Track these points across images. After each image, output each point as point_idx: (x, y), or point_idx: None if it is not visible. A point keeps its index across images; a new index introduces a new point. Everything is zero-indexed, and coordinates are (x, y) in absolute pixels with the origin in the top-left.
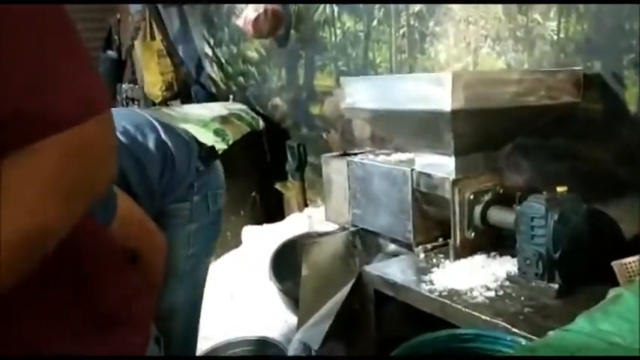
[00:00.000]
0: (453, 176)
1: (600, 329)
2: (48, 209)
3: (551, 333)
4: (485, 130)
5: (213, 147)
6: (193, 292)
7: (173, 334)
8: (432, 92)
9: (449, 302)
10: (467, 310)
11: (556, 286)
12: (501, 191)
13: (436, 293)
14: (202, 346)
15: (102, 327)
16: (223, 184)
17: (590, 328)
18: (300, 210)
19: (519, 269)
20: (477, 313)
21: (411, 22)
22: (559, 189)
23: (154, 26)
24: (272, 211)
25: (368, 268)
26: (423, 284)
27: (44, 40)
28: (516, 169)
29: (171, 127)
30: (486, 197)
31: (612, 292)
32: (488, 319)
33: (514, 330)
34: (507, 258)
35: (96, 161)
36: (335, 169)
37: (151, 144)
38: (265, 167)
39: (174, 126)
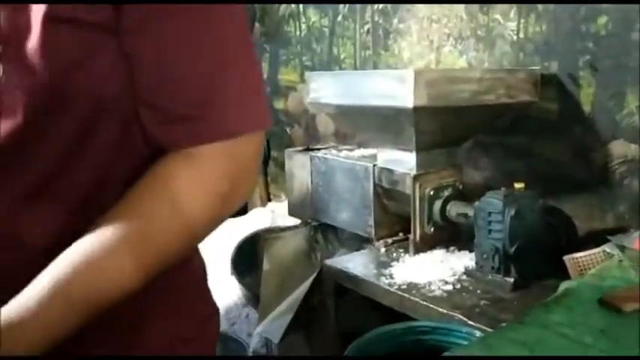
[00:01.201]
0: (414, 172)
1: (551, 321)
2: (208, 215)
3: (504, 324)
4: (446, 127)
5: None
6: None
7: None
8: (395, 89)
9: (407, 296)
10: (424, 303)
11: (511, 279)
12: (461, 187)
13: (395, 287)
14: None
15: (174, 346)
16: None
17: (542, 319)
18: (264, 204)
19: (477, 263)
20: (434, 306)
21: (376, 19)
22: (516, 185)
23: None
24: None
25: (329, 262)
26: (383, 278)
27: (227, 43)
28: (476, 166)
29: None
30: (446, 193)
31: (563, 286)
32: (445, 311)
33: (470, 322)
34: (466, 252)
35: (248, 175)
36: (298, 164)
37: None
38: None
39: None
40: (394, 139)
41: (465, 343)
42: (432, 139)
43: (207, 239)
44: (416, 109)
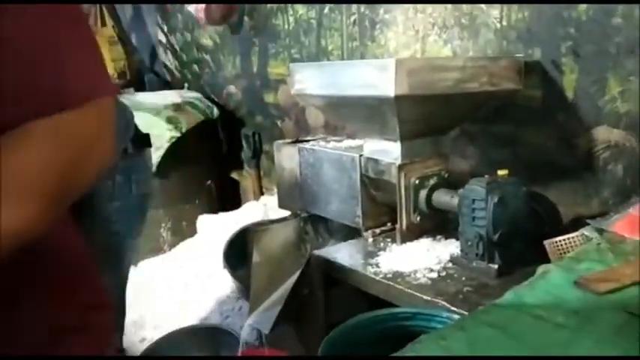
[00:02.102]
0: (399, 161)
1: (526, 303)
2: (41, 196)
3: (480, 308)
4: (429, 116)
5: (147, 135)
6: (118, 274)
7: None
8: (376, 78)
9: (393, 284)
10: (409, 290)
11: (495, 266)
12: (447, 176)
13: (381, 275)
14: (155, 336)
15: (57, 336)
16: (150, 172)
17: (516, 302)
18: (256, 198)
19: (461, 250)
20: (418, 294)
21: (362, 10)
22: (500, 173)
23: (105, 12)
24: (227, 199)
25: (317, 253)
26: (370, 267)
27: (57, 27)
28: (462, 155)
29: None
30: (432, 181)
31: (541, 269)
32: (429, 298)
33: (452, 308)
34: (452, 241)
35: (88, 147)
36: (287, 156)
37: None
38: (221, 156)
39: (119, 100)
40: (379, 129)
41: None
42: (416, 128)
43: (201, 234)
44: (397, 97)
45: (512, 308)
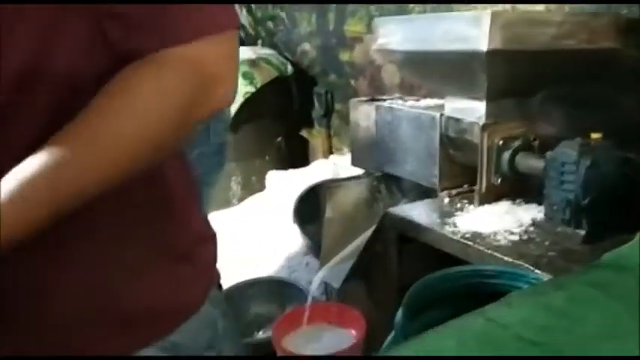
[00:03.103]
0: (482, 121)
1: (627, 265)
2: (169, 121)
3: (580, 269)
4: (520, 74)
5: None
6: None
7: None
8: (468, 32)
9: (471, 244)
10: (489, 251)
11: (582, 232)
12: (532, 138)
13: (459, 235)
14: (223, 286)
15: (169, 262)
16: (228, 122)
17: (617, 263)
18: (325, 157)
19: (545, 215)
20: (499, 255)
21: None
22: (593, 136)
23: None
24: (297, 157)
25: (392, 210)
26: (447, 226)
27: None
28: (550, 117)
29: None
30: (516, 143)
31: None
32: (510, 260)
33: (537, 271)
34: (533, 205)
35: (218, 81)
36: (363, 114)
37: None
38: (292, 113)
39: None
40: (463, 87)
41: None
42: (505, 87)
43: (270, 190)
44: (489, 52)
45: (613, 269)
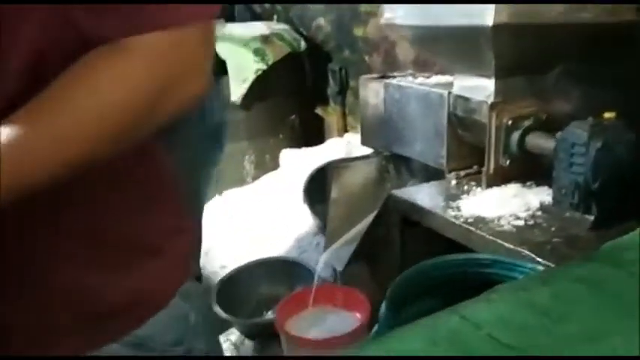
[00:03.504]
0: (491, 99)
1: (625, 258)
2: (134, 109)
3: (572, 262)
4: (530, 50)
5: (224, 62)
6: (191, 199)
7: None
8: (473, 5)
9: (473, 229)
10: (491, 237)
11: (591, 217)
12: (544, 118)
13: (461, 219)
14: (234, 264)
15: (135, 256)
16: (226, 102)
17: (614, 256)
18: (340, 135)
19: (554, 199)
20: (500, 241)
21: None
22: (607, 115)
23: None
24: (311, 135)
25: (395, 192)
26: (450, 210)
27: None
28: (564, 96)
29: None
30: (526, 123)
31: None
32: (512, 247)
33: (538, 259)
34: (544, 188)
35: (183, 71)
36: (372, 92)
37: None
38: (306, 90)
39: None
40: (472, 64)
41: None
42: (514, 63)
43: (283, 169)
44: (495, 27)
45: (608, 263)
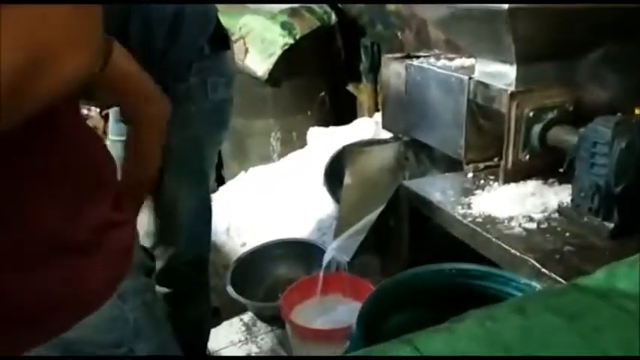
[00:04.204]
0: (512, 88)
1: (617, 288)
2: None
3: (558, 286)
4: (555, 34)
5: (227, 36)
6: (196, 180)
7: (179, 227)
8: None
9: (479, 230)
10: (496, 240)
11: (611, 225)
12: (571, 109)
13: (469, 218)
14: (255, 242)
15: (60, 255)
16: (231, 77)
17: (605, 285)
18: (370, 115)
19: (572, 201)
20: (505, 246)
21: None
22: (637, 111)
23: None
24: (343, 113)
25: (406, 183)
26: (459, 207)
27: None
28: (600, 85)
29: None
30: (550, 115)
31: None
32: (517, 254)
33: (543, 270)
34: (567, 187)
35: (58, 46)
36: (394, 72)
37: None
38: (337, 66)
39: None
40: (492, 49)
41: (520, 295)
42: (537, 48)
43: (310, 147)
44: (512, 10)
45: (595, 293)
